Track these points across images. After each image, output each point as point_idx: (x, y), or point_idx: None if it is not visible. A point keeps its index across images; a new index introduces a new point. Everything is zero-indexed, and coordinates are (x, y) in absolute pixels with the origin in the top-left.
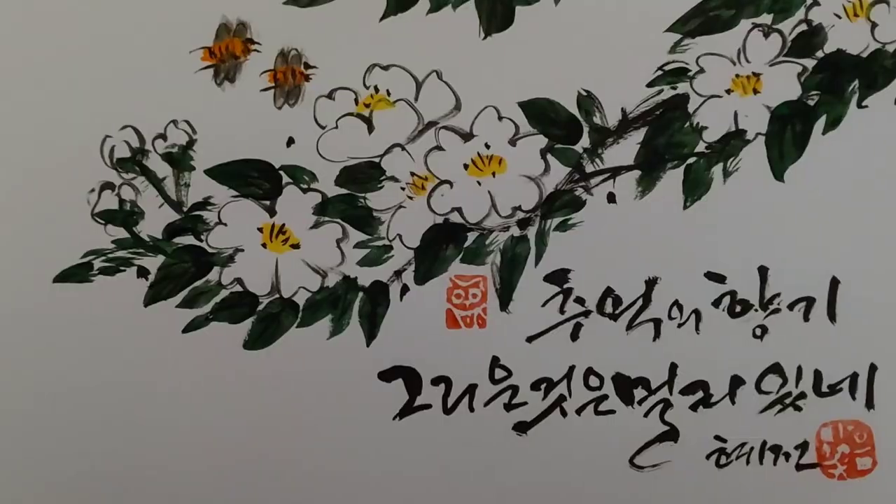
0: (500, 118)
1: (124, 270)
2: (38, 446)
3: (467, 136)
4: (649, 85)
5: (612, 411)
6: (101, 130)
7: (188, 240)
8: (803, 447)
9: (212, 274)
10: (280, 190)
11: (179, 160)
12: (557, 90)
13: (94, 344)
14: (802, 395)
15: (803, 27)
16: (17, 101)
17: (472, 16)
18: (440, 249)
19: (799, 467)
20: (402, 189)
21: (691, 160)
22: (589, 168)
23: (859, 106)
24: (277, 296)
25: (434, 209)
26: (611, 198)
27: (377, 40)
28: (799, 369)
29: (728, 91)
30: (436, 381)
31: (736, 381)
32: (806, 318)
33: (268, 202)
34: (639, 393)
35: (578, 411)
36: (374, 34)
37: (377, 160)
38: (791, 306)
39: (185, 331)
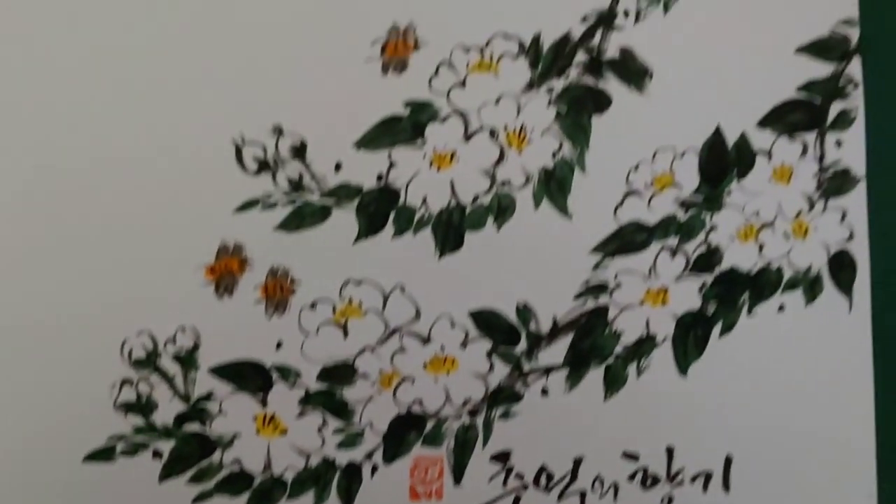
0: (453, 326)
1: (141, 452)
2: None
3: (426, 341)
4: (576, 298)
5: None
6: (121, 335)
7: (195, 427)
8: None
9: (215, 455)
10: (271, 385)
11: (187, 360)
12: (501, 302)
13: None
14: None
15: (704, 248)
16: (54, 313)
17: (429, 239)
18: (404, 435)
19: None
20: (372, 385)
21: (610, 360)
22: (526, 367)
23: (749, 314)
24: (269, 474)
25: (399, 401)
26: (544, 392)
27: (351, 260)
28: None
29: (641, 302)
30: None
31: None
32: (704, 489)
33: (261, 395)
34: None
35: None
36: (348, 254)
37: (351, 361)
38: (693, 479)
39: (193, 502)
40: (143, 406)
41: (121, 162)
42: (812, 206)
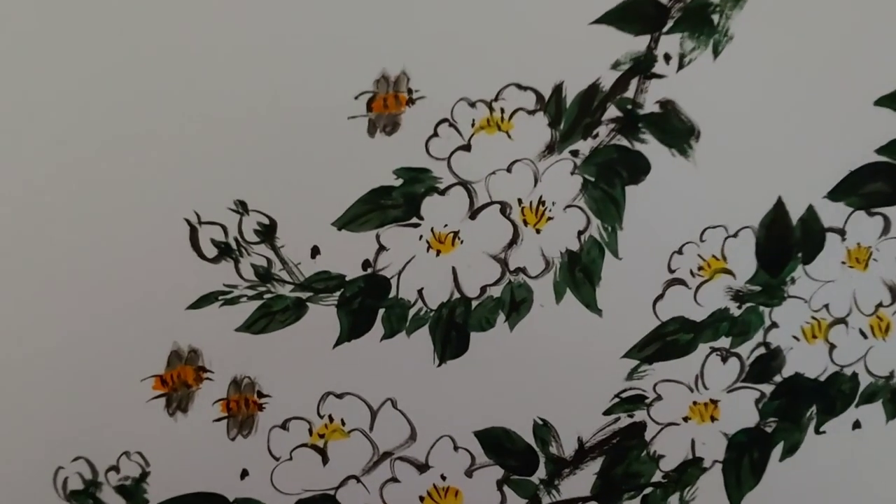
0: (455, 448)
1: None
2: None
3: (423, 468)
4: (606, 413)
5: None
6: (54, 462)
7: None
8: None
9: None
10: None
11: (133, 493)
12: (514, 419)
13: None
14: None
15: (762, 350)
16: None
17: (426, 342)
18: None
19: None
20: None
21: (648, 490)
22: (546, 499)
23: (817, 432)
24: None
25: None
26: None
27: (331, 368)
28: None
29: (685, 419)
30: None
31: None
32: None
33: None
34: None
35: None
36: (327, 361)
37: (332, 493)
38: None
39: None
40: None
41: (49, 247)
42: None
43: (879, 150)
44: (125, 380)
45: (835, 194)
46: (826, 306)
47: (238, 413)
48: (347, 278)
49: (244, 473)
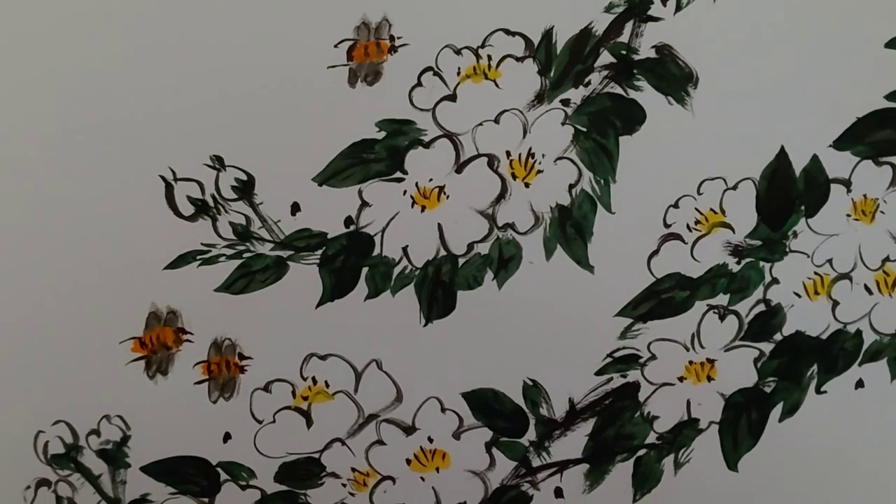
0: (443, 410)
1: None
2: None
3: (410, 430)
4: (598, 373)
5: None
6: (34, 425)
7: None
8: None
9: None
10: (218, 487)
11: (114, 456)
12: (502, 379)
13: None
14: None
15: (761, 307)
16: None
17: (412, 302)
18: None
19: None
20: (344, 486)
21: (641, 452)
22: (535, 462)
23: (818, 392)
24: None
25: None
26: (558, 493)
27: (314, 329)
28: None
29: (681, 379)
30: None
31: None
32: None
33: (206, 500)
34: None
35: None
36: (310, 322)
37: (317, 456)
38: None
39: None
40: None
41: (22, 208)
42: None
43: (889, 96)
44: (104, 342)
45: (841, 143)
46: (829, 261)
47: (219, 375)
48: (329, 236)
49: (227, 437)
